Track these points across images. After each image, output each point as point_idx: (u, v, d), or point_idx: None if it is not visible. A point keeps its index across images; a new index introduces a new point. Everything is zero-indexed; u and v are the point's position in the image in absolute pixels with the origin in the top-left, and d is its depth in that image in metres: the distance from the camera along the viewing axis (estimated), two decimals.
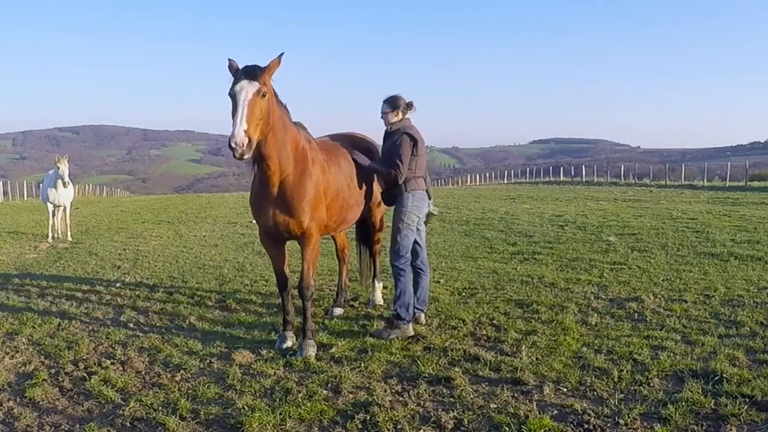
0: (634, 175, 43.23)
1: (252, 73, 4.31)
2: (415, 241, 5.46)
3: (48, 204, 12.74)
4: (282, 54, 4.46)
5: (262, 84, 4.29)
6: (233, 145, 4.07)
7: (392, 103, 5.39)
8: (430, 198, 5.57)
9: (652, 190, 28.98)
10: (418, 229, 5.46)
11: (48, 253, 10.88)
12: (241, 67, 4.39)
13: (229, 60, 4.47)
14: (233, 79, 4.36)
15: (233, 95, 4.27)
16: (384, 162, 5.39)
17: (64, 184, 12.35)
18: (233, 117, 4.18)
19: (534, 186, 41.14)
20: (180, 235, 13.19)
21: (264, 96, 4.31)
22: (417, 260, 5.56)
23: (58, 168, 12.16)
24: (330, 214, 5.15)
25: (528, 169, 63.18)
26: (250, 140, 4.14)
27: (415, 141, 5.26)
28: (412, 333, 5.24)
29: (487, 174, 70.48)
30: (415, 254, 5.53)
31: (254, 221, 5.41)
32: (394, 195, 5.44)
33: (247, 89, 4.24)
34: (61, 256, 10.30)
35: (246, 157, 4.16)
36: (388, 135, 5.47)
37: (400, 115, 5.40)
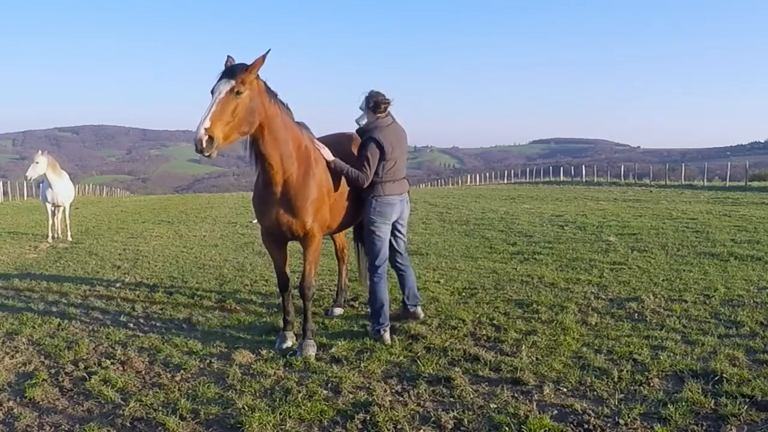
0: (634, 175, 43.23)
1: (231, 71, 4.26)
2: (392, 243, 5.44)
3: (47, 204, 12.72)
4: (268, 51, 4.37)
5: (238, 82, 4.20)
6: (194, 141, 4.03)
7: (364, 104, 5.21)
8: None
9: (652, 190, 28.98)
10: (395, 233, 5.45)
11: (48, 253, 10.88)
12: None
13: (228, 57, 4.41)
14: None
15: (211, 93, 4.23)
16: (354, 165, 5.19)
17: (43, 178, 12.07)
18: None
19: (534, 186, 41.13)
20: (180, 235, 13.18)
21: (239, 94, 4.21)
22: (396, 261, 5.58)
23: (37, 163, 11.80)
24: (333, 214, 5.15)
25: (528, 169, 63.17)
26: (211, 138, 4.04)
27: (381, 145, 5.05)
28: (389, 342, 5.09)
29: (487, 174, 70.49)
30: (393, 256, 5.52)
31: (254, 221, 5.40)
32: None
33: (221, 88, 4.19)
34: (61, 256, 10.30)
35: (207, 154, 4.07)
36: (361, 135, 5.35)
37: (371, 116, 5.19)
